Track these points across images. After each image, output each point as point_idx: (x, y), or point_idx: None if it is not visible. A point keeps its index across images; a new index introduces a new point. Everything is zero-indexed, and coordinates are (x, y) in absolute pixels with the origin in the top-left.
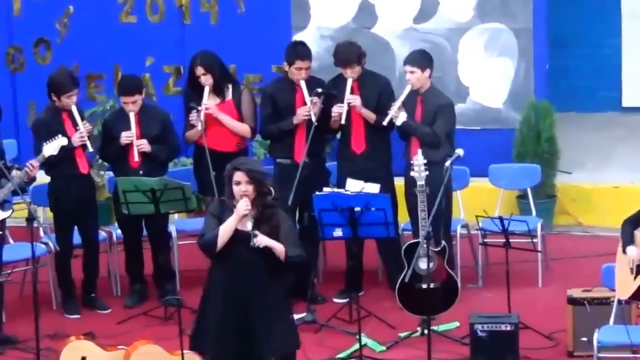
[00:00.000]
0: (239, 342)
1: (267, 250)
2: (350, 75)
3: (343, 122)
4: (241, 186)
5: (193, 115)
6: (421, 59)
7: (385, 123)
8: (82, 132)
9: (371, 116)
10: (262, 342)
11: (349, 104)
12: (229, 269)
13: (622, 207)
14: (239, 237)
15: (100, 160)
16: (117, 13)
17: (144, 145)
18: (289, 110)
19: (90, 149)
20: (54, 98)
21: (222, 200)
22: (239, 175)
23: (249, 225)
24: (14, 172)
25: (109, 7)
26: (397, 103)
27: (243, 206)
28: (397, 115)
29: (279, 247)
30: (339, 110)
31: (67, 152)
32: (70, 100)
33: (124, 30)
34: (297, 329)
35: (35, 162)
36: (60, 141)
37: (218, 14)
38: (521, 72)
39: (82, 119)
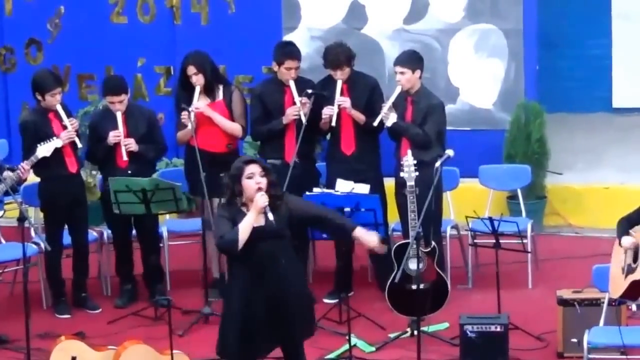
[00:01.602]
0: (269, 336)
1: (284, 235)
2: (340, 77)
3: (334, 124)
4: (256, 178)
5: (185, 116)
6: (411, 59)
7: (375, 124)
8: (69, 130)
9: (361, 117)
10: (291, 329)
11: (339, 105)
12: (252, 267)
13: (612, 208)
14: (256, 234)
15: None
16: (108, 14)
17: (132, 144)
18: (279, 110)
19: (80, 145)
20: (39, 98)
21: (228, 203)
22: (252, 168)
23: (270, 216)
24: (5, 173)
25: (100, 8)
26: (388, 104)
27: (262, 200)
28: (388, 116)
29: None
30: (329, 113)
31: (55, 152)
32: (55, 99)
33: (115, 30)
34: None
35: (26, 165)
36: (54, 143)
37: (209, 14)
38: (511, 73)
39: (69, 116)
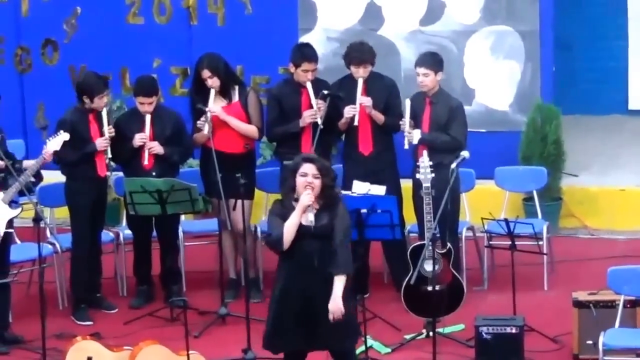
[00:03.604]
0: (306, 335)
1: (327, 236)
2: (362, 74)
3: (356, 123)
4: (308, 178)
5: (201, 121)
6: (434, 61)
7: (406, 147)
8: (106, 138)
9: (380, 117)
10: (325, 335)
11: (361, 104)
12: (293, 265)
13: (628, 210)
14: (302, 232)
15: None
16: (124, 14)
17: (156, 147)
18: (295, 112)
19: (109, 155)
20: (86, 101)
21: (280, 201)
22: (307, 167)
23: (310, 217)
24: (26, 162)
25: (116, 8)
26: (406, 122)
27: (307, 199)
28: (412, 133)
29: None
30: (352, 112)
31: (87, 154)
32: (102, 102)
33: (131, 31)
34: (357, 324)
35: (34, 166)
36: (62, 137)
37: (225, 15)
38: (527, 75)
39: (109, 123)
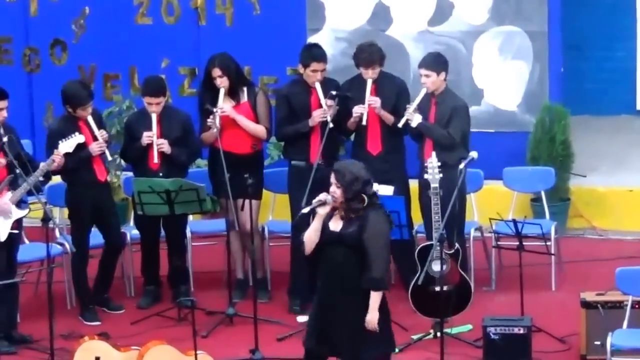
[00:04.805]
0: (330, 339)
1: (358, 248)
2: (371, 75)
3: (364, 123)
4: (332, 187)
5: (211, 120)
6: (436, 62)
7: (400, 125)
8: (100, 142)
9: (389, 118)
10: (350, 342)
11: (369, 105)
12: (322, 270)
13: (636, 211)
14: (330, 239)
15: (117, 160)
16: (133, 14)
17: (164, 145)
18: (304, 112)
19: (110, 158)
20: (69, 110)
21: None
22: (332, 177)
23: (340, 225)
24: (42, 164)
25: (124, 9)
26: (413, 105)
27: (318, 197)
28: (413, 117)
29: None
30: (360, 111)
31: (84, 160)
32: (86, 112)
33: (140, 31)
34: (389, 332)
35: (56, 157)
36: (77, 139)
37: (233, 15)
38: (536, 75)
39: (100, 127)
